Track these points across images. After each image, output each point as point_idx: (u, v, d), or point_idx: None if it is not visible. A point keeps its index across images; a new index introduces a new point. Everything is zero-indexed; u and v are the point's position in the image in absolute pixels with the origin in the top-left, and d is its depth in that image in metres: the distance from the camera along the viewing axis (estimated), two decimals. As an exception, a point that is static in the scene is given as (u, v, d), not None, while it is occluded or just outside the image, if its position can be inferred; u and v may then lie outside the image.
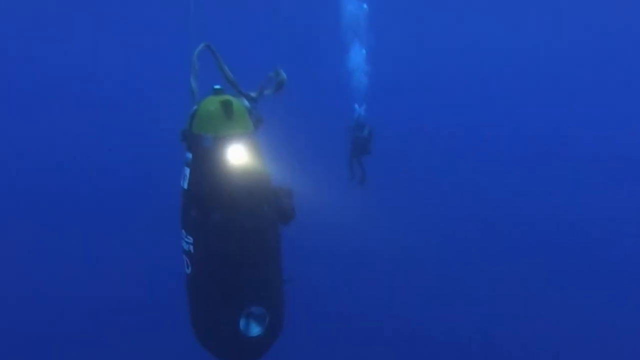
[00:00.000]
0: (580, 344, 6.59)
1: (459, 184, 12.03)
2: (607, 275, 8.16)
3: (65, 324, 6.60)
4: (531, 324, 6.90)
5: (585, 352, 6.54)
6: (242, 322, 2.56)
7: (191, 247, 2.51)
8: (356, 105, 9.86)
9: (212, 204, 2.42)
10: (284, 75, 2.73)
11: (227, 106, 2.43)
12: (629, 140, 15.94)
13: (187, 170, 2.49)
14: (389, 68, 17.79)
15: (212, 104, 2.45)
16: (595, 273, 8.22)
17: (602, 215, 10.49)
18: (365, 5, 13.51)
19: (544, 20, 24.94)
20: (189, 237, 2.52)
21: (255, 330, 2.61)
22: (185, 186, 2.50)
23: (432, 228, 9.57)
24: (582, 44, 25.10)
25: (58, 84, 19.08)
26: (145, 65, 22.28)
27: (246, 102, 2.64)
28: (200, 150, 2.43)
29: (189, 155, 2.49)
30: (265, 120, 2.67)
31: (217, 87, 2.50)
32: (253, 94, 2.68)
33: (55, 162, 12.52)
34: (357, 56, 12.83)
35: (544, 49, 25.58)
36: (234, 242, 2.46)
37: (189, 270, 2.59)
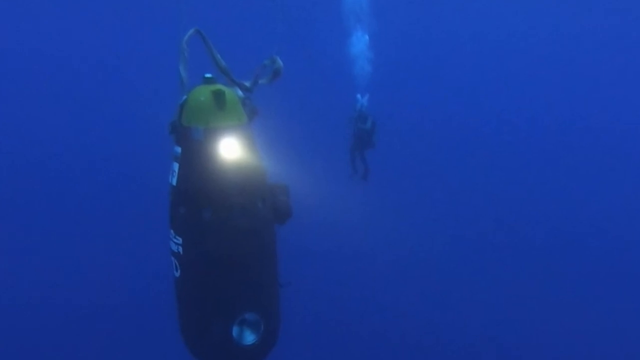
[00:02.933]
0: (595, 350, 6.61)
1: (468, 179, 12.02)
2: (624, 279, 8.17)
3: (46, 330, 6.60)
4: (547, 330, 6.92)
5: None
6: (235, 330, 2.56)
7: (180, 249, 2.51)
8: (358, 95, 9.83)
9: (202, 202, 2.41)
10: (280, 63, 2.72)
11: (219, 96, 2.42)
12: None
13: (176, 166, 2.48)
14: (393, 55, 17.77)
15: (202, 93, 2.44)
16: (613, 276, 8.23)
17: (620, 215, 10.49)
18: (367, -12, 13.48)
19: (559, 5, 24.93)
20: (177, 237, 2.51)
21: (249, 338, 2.61)
22: (174, 182, 2.49)
23: (439, 227, 9.57)
24: (597, 34, 25.13)
25: (37, 75, 19.04)
26: (131, 52, 22.25)
27: (239, 92, 2.63)
28: (190, 143, 2.42)
29: (178, 149, 2.48)
30: (260, 111, 2.66)
31: (208, 75, 2.49)
32: (247, 83, 2.67)
33: (35, 158, 12.50)
34: (360, 42, 12.80)
35: (560, 34, 25.59)
36: (226, 243, 2.45)
37: (177, 273, 2.59)
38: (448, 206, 10.60)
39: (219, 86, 2.46)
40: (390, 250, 8.49)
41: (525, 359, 6.56)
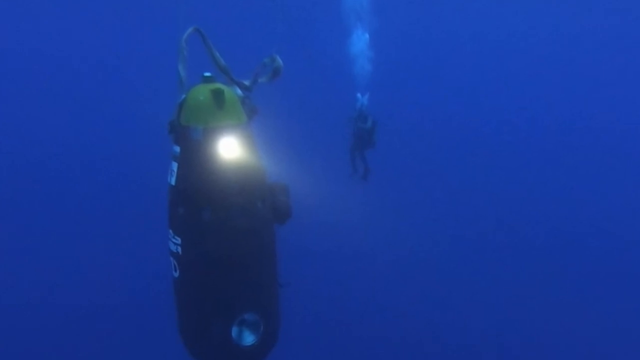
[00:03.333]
0: (596, 350, 6.60)
1: (468, 179, 12.01)
2: (625, 279, 8.15)
3: (46, 330, 6.59)
4: (548, 330, 6.90)
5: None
6: (234, 330, 2.55)
7: (179, 249, 2.49)
8: (359, 95, 9.81)
9: (201, 202, 2.40)
10: (280, 61, 2.71)
11: (218, 95, 2.40)
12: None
13: (175, 165, 2.47)
14: (393, 54, 17.76)
15: (202, 93, 2.43)
16: (613, 276, 8.22)
17: (620, 215, 10.47)
18: (368, -14, 13.44)
19: (559, 5, 24.93)
20: (176, 237, 2.50)
21: (249, 339, 2.59)
22: (173, 182, 2.48)
23: (439, 227, 9.56)
24: (597, 34, 25.12)
25: (37, 75, 19.03)
26: (130, 52, 22.23)
27: (239, 91, 2.62)
28: (189, 143, 2.41)
29: (177, 149, 2.46)
30: (259, 110, 2.65)
31: (207, 74, 2.48)
32: (246, 82, 2.65)
33: (35, 158, 12.49)
34: (360, 41, 12.77)
35: (560, 34, 25.59)
36: (225, 243, 2.44)
37: (176, 274, 2.57)
38: (448, 206, 10.58)
39: (218, 85, 2.45)
40: (390, 250, 8.48)
41: (525, 359, 6.56)
